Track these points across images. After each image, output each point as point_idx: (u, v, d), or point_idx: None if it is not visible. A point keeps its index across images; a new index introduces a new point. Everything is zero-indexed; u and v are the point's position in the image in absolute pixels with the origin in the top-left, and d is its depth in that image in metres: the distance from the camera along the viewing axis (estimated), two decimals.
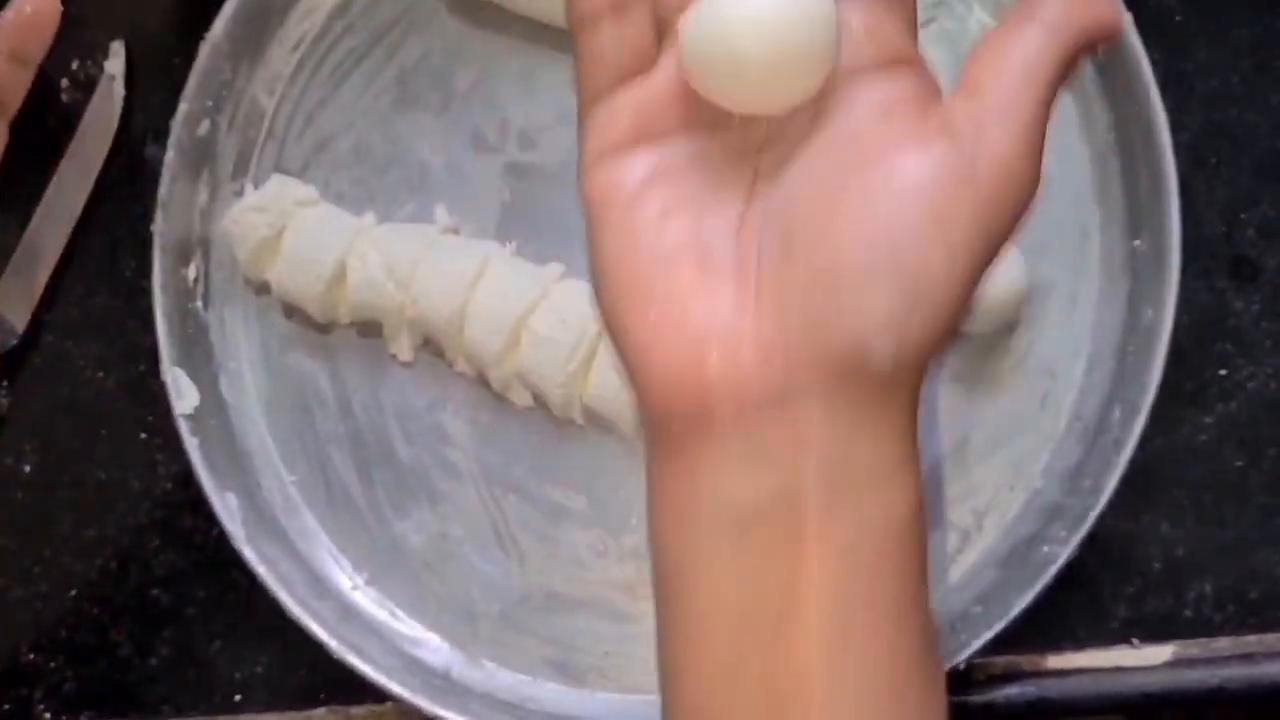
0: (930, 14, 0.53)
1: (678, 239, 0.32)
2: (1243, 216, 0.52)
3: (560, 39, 0.54)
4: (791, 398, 0.30)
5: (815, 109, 0.32)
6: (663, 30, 0.33)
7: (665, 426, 0.32)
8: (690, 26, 0.31)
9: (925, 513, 0.32)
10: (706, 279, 0.31)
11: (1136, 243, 0.50)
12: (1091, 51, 0.32)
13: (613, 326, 0.33)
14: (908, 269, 0.30)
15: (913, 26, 0.33)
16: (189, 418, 0.52)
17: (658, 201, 0.32)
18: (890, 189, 0.30)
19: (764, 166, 0.33)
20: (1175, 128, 0.49)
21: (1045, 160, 0.51)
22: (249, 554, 0.51)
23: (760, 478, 0.30)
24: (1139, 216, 0.50)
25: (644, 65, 0.33)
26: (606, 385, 0.50)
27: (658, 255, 0.32)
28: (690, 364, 0.31)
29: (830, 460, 0.30)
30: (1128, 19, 0.49)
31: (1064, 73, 0.32)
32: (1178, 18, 0.53)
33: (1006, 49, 0.32)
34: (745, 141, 0.33)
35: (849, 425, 0.30)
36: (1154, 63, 0.50)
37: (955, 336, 0.31)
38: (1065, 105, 0.52)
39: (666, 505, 0.33)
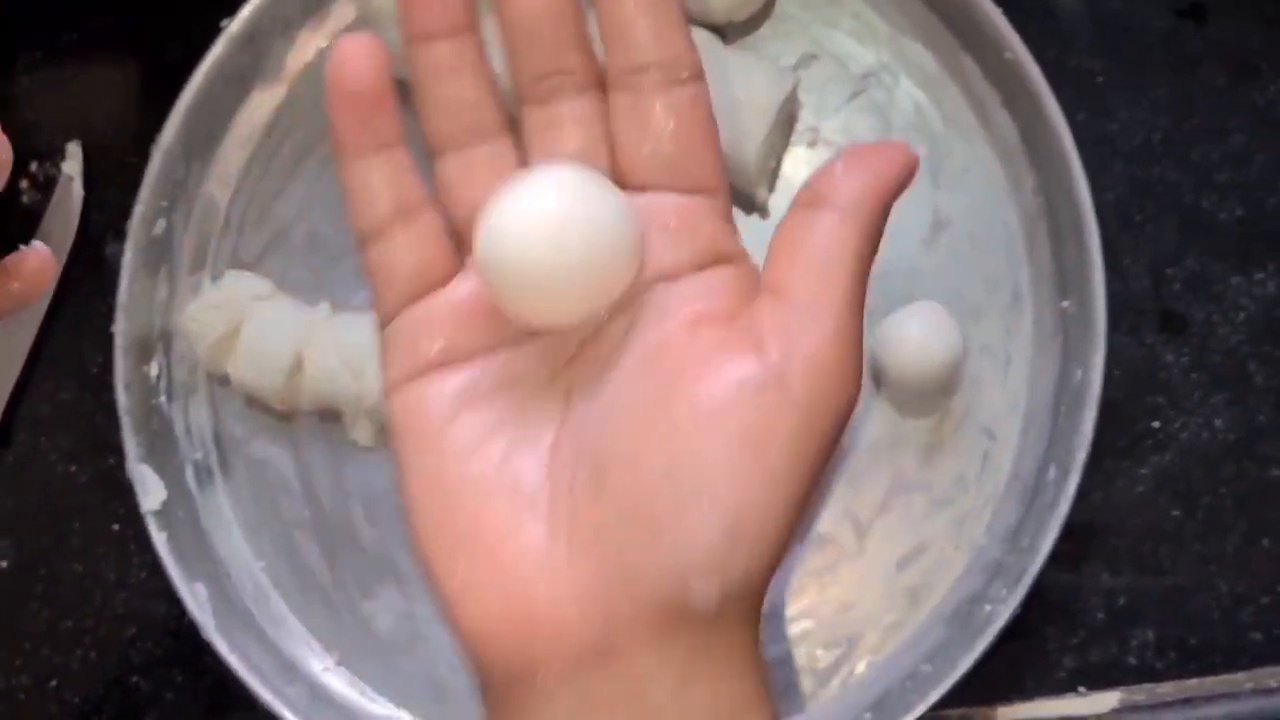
0: (858, 86, 0.54)
1: (488, 471, 0.29)
2: (1169, 271, 0.54)
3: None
4: (617, 649, 0.28)
5: (629, 316, 0.30)
6: (459, 236, 0.31)
7: (488, 678, 0.30)
8: (482, 230, 0.29)
9: None
10: (518, 519, 0.29)
11: (1065, 303, 0.52)
12: (894, 200, 0.30)
13: (426, 570, 0.30)
14: (724, 501, 0.27)
15: (729, 218, 0.31)
16: (156, 513, 0.53)
17: (465, 431, 0.30)
18: (698, 414, 0.28)
19: (576, 382, 0.31)
20: (1100, 187, 0.51)
21: (973, 225, 0.53)
22: (219, 643, 0.52)
23: None
24: (1067, 277, 0.52)
25: (441, 276, 0.31)
26: None
27: (467, 488, 0.29)
28: (505, 612, 0.29)
29: (666, 713, 0.28)
30: (1041, 85, 0.51)
31: (872, 249, 0.29)
32: (1099, 79, 0.55)
33: (804, 241, 0.29)
34: (556, 356, 0.31)
35: (682, 672, 0.28)
36: (1077, 124, 0.51)
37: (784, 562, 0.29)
38: (993, 167, 0.54)
39: None
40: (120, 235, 0.56)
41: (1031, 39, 0.51)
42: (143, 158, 0.56)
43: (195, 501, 0.55)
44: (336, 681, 0.54)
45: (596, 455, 0.29)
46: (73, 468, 0.58)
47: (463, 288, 0.31)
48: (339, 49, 0.30)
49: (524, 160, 0.32)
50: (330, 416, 0.55)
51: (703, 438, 0.28)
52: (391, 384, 0.31)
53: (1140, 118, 0.55)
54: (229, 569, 0.55)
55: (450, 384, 0.30)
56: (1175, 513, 0.53)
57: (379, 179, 0.31)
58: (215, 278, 0.56)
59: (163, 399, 0.56)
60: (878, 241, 0.29)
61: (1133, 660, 0.52)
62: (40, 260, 0.41)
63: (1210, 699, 0.51)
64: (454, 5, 0.30)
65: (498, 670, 0.29)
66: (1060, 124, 0.51)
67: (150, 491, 0.54)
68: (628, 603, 0.28)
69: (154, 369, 0.55)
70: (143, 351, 0.55)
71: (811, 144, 0.54)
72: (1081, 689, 0.51)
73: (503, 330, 0.31)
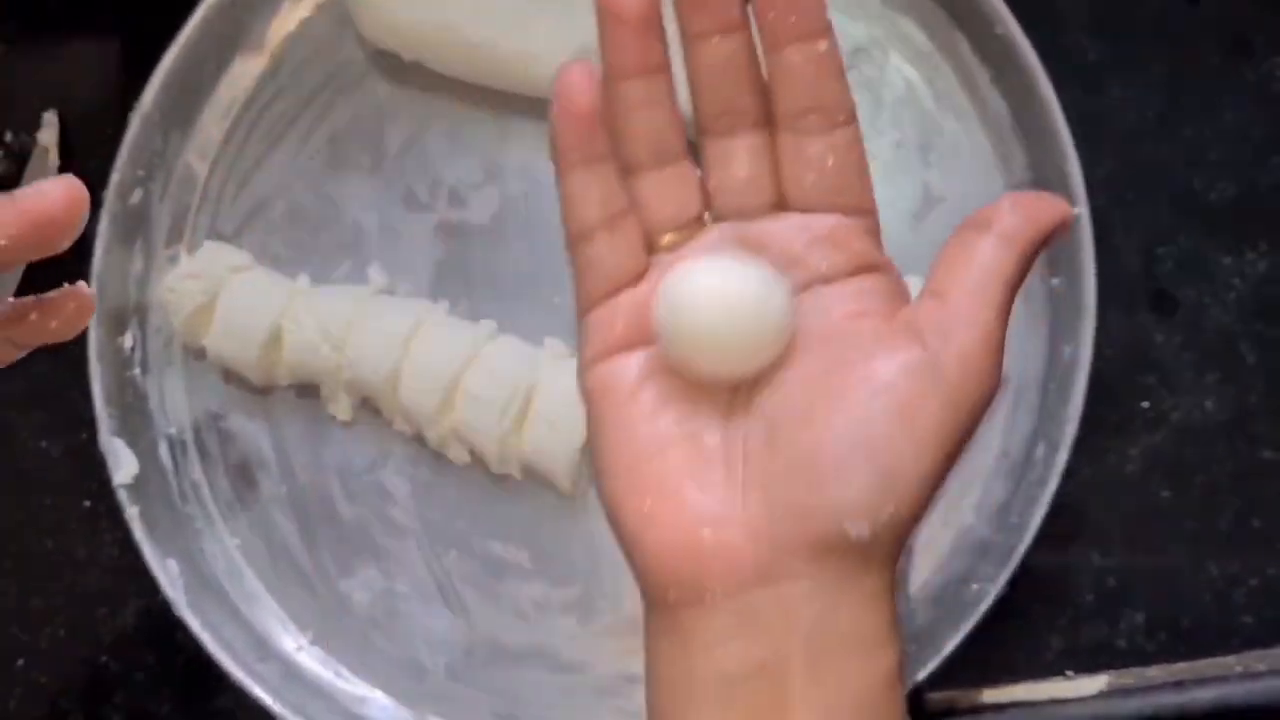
0: (849, 62, 0.53)
1: (670, 431, 0.34)
2: (1160, 251, 0.53)
3: (488, 99, 0.55)
4: (778, 574, 0.33)
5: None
6: (651, 243, 0.36)
7: (661, 599, 0.34)
8: (659, 303, 0.34)
9: (905, 669, 0.34)
10: (697, 467, 0.34)
11: (1055, 281, 0.51)
12: (1046, 247, 0.35)
13: (612, 511, 0.35)
14: (880, 460, 0.32)
15: (878, 236, 0.36)
16: (128, 487, 0.52)
17: (651, 397, 0.35)
18: (862, 388, 0.33)
19: None
20: (1091, 165, 0.51)
21: (964, 202, 0.52)
22: (191, 619, 0.51)
23: (749, 648, 0.33)
24: (1057, 255, 0.51)
25: (636, 275, 0.36)
26: (542, 440, 0.51)
27: (652, 445, 0.34)
28: (684, 544, 0.33)
29: (814, 630, 0.33)
30: (1033, 61, 0.50)
31: (1021, 276, 0.34)
32: (1091, 56, 0.54)
33: (966, 258, 0.34)
34: None
35: (831, 596, 0.33)
36: (1069, 101, 0.51)
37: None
38: (983, 145, 0.53)
39: (661, 674, 0.35)
40: (96, 206, 0.54)
41: (1023, 15, 0.51)
42: (120, 129, 0.55)
43: (168, 476, 0.54)
44: (310, 660, 0.53)
45: (771, 416, 0.34)
46: (44, 442, 0.57)
47: (647, 284, 0.35)
48: (565, 74, 0.34)
49: (703, 183, 0.36)
50: (308, 391, 0.54)
51: (866, 406, 0.33)
52: (588, 362, 0.36)
53: (1132, 95, 0.54)
54: (202, 545, 0.54)
55: (635, 360, 0.35)
56: (1166, 493, 0.52)
57: (592, 188, 0.35)
58: (193, 250, 0.55)
59: (137, 371, 0.55)
60: (1026, 273, 0.34)
61: (1122, 642, 0.51)
62: (80, 302, 0.41)
63: (1200, 682, 0.50)
64: (649, 50, 0.35)
65: (670, 589, 0.33)
66: (1052, 101, 0.51)
67: (122, 465, 0.53)
68: (791, 536, 0.33)
69: (128, 341, 0.54)
70: (117, 323, 0.54)
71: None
72: (1069, 671, 0.51)
73: None
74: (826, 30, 0.35)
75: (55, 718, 0.55)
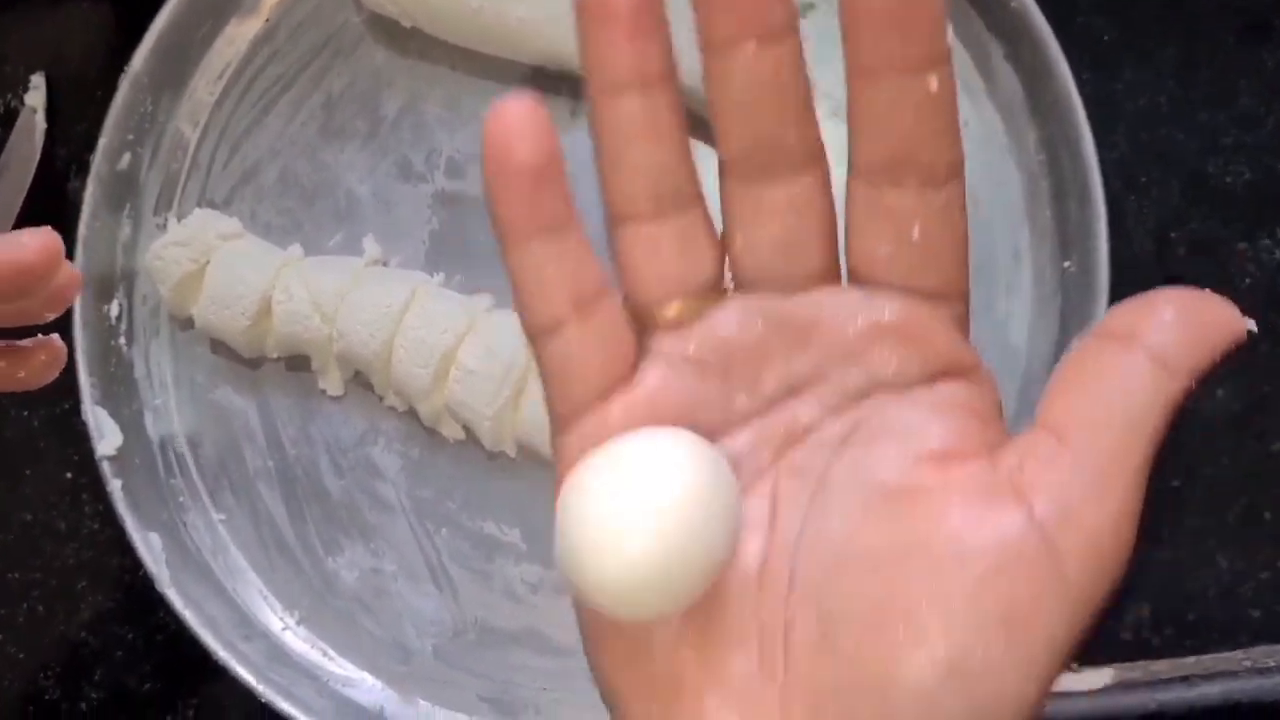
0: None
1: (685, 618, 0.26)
2: (1173, 235, 0.52)
3: (488, 67, 0.53)
4: None
5: (845, 424, 0.26)
6: (643, 325, 0.27)
7: None
8: (559, 510, 0.26)
9: None
10: (722, 656, 0.26)
11: (1067, 264, 0.50)
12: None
13: (609, 700, 0.27)
14: (976, 690, 0.24)
15: (967, 326, 0.27)
16: (111, 459, 0.51)
17: None
18: (955, 582, 0.24)
19: (785, 494, 0.27)
20: (1104, 147, 0.49)
21: (974, 182, 0.51)
22: (173, 596, 0.50)
23: None
24: (1068, 237, 0.50)
25: (624, 372, 0.27)
26: (538, 417, 0.49)
27: (660, 623, 0.26)
28: None
29: None
30: (1047, 35, 0.49)
31: (1172, 417, 0.25)
32: (1105, 37, 0.53)
33: (1103, 389, 0.25)
34: (758, 457, 0.27)
35: None
36: (1082, 83, 0.49)
37: None
38: (994, 123, 0.52)
39: None
40: (83, 172, 0.53)
41: None
42: (110, 93, 0.53)
43: (153, 449, 0.53)
44: (296, 640, 0.51)
45: (825, 607, 0.25)
46: (25, 412, 0.55)
47: (647, 383, 0.27)
48: (497, 114, 0.25)
49: (722, 235, 0.27)
50: (298, 364, 0.53)
51: (958, 612, 0.24)
52: None
53: (1147, 78, 0.53)
54: (186, 520, 0.52)
55: None
56: (1175, 484, 0.51)
57: (551, 267, 0.26)
58: (182, 217, 0.53)
59: (122, 340, 0.53)
60: (1176, 411, 0.25)
61: (1128, 636, 0.50)
62: (51, 355, 0.41)
63: (1207, 677, 0.49)
64: (646, 56, 0.26)
65: None
66: (1066, 77, 0.49)
67: (106, 435, 0.51)
68: None
69: (114, 309, 0.53)
70: (103, 290, 0.53)
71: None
72: (1073, 665, 0.49)
73: (699, 430, 0.27)
74: (944, 59, 0.25)
75: (32, 696, 0.54)
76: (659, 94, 0.26)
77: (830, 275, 0.27)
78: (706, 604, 0.26)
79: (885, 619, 0.24)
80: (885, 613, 0.24)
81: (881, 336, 0.26)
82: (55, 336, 0.42)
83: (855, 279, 0.27)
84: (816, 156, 0.27)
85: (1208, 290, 0.26)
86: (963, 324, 0.27)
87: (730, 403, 0.27)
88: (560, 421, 0.27)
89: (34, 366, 0.42)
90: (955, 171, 0.26)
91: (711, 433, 0.27)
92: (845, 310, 0.26)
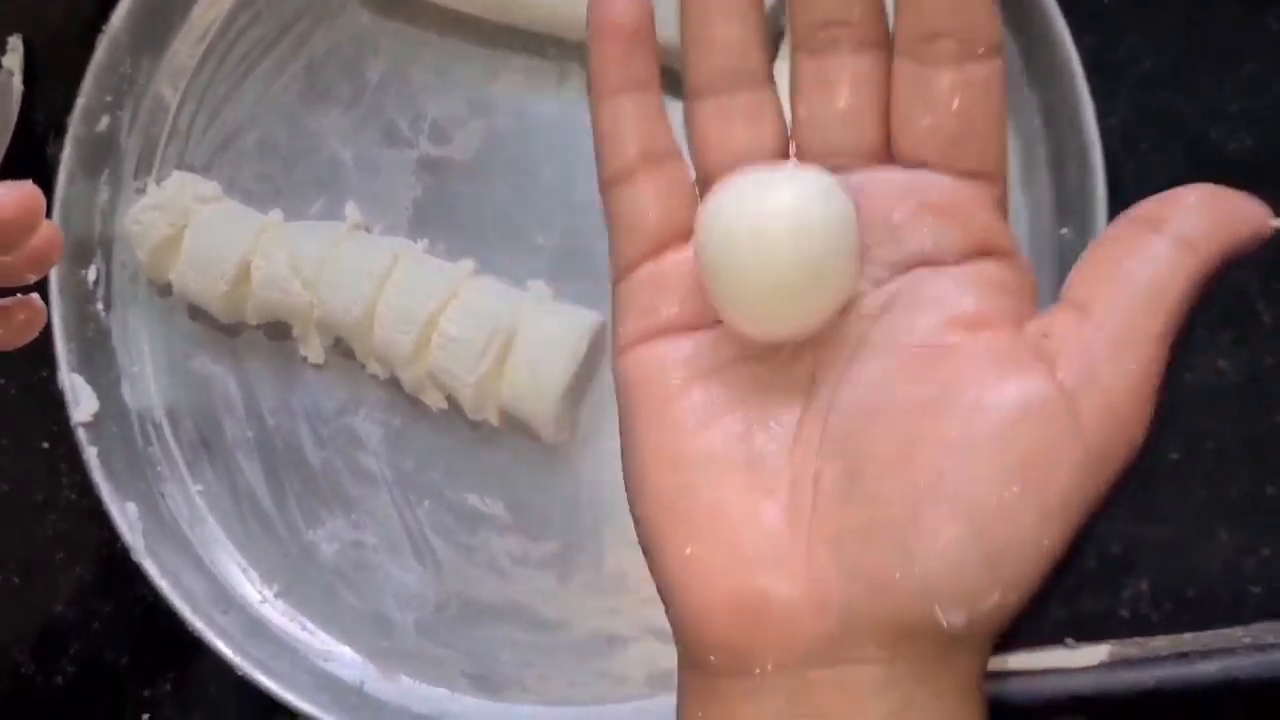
0: None
1: (725, 448, 0.27)
2: None
3: (475, 30, 0.52)
4: (844, 655, 0.26)
5: (886, 295, 0.27)
6: (706, 187, 0.29)
7: (701, 661, 0.27)
8: (703, 229, 0.27)
9: None
10: (756, 499, 0.27)
11: (1064, 231, 0.49)
12: (1232, 263, 0.26)
13: (647, 546, 0.28)
14: (991, 536, 0.25)
15: (1005, 209, 0.28)
16: (87, 425, 0.50)
17: (703, 399, 0.28)
18: (976, 430, 0.25)
19: (824, 362, 0.28)
20: (1104, 113, 0.48)
21: None
22: (149, 566, 0.49)
23: None
24: (1066, 204, 0.49)
25: (683, 230, 0.29)
26: (522, 385, 0.48)
27: (702, 463, 0.27)
28: (734, 596, 0.27)
29: None
30: (1054, 19, 0.48)
31: (1196, 298, 0.26)
32: (1106, 1, 0.52)
33: (1127, 265, 0.26)
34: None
35: (908, 690, 0.26)
36: (1083, 48, 0.48)
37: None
38: None
39: None
40: (62, 134, 0.52)
41: None
42: (89, 55, 0.52)
43: (130, 417, 0.52)
44: (275, 613, 0.50)
45: (852, 454, 0.26)
46: (1, 380, 0.54)
47: None
48: None
49: (791, 112, 0.29)
50: (278, 332, 0.52)
51: (978, 459, 0.25)
52: (623, 344, 0.29)
53: (1149, 43, 0.52)
54: (163, 489, 0.51)
55: (685, 349, 0.28)
56: (1175, 456, 0.49)
57: (630, 119, 0.29)
58: (161, 182, 0.52)
59: (99, 306, 0.52)
60: (1202, 295, 0.26)
61: (1125, 612, 0.49)
62: (31, 313, 0.41)
63: (1206, 654, 0.47)
64: None
65: (717, 653, 0.27)
66: (1066, 40, 0.48)
67: (82, 402, 0.50)
68: (865, 611, 0.26)
69: (92, 274, 0.52)
70: (80, 255, 0.52)
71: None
72: (1070, 640, 0.48)
73: None
74: None
75: (7, 669, 0.53)
76: None
77: (884, 155, 0.29)
78: (743, 452, 0.27)
79: (908, 463, 0.26)
80: (908, 457, 0.26)
81: (923, 213, 0.28)
82: (35, 296, 0.42)
83: (900, 157, 0.28)
84: (880, 38, 0.28)
85: (1238, 191, 0.27)
86: (1001, 206, 0.28)
87: None
88: (620, 269, 0.30)
89: (14, 325, 0.41)
90: (994, 49, 0.28)
91: None
92: (892, 188, 0.28)
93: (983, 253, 0.28)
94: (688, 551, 0.27)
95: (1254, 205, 0.27)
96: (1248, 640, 0.48)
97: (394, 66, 0.53)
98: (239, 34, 0.53)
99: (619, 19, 0.28)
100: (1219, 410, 0.50)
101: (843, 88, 0.28)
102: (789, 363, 0.28)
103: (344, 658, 0.50)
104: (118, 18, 0.52)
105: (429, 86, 0.53)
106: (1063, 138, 0.49)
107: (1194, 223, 0.26)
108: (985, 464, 0.25)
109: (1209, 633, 0.48)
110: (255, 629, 0.50)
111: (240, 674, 0.48)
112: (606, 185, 0.29)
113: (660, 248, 0.29)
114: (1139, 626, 0.49)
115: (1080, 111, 0.48)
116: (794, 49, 0.29)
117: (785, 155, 0.29)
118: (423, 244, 0.51)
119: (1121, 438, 0.26)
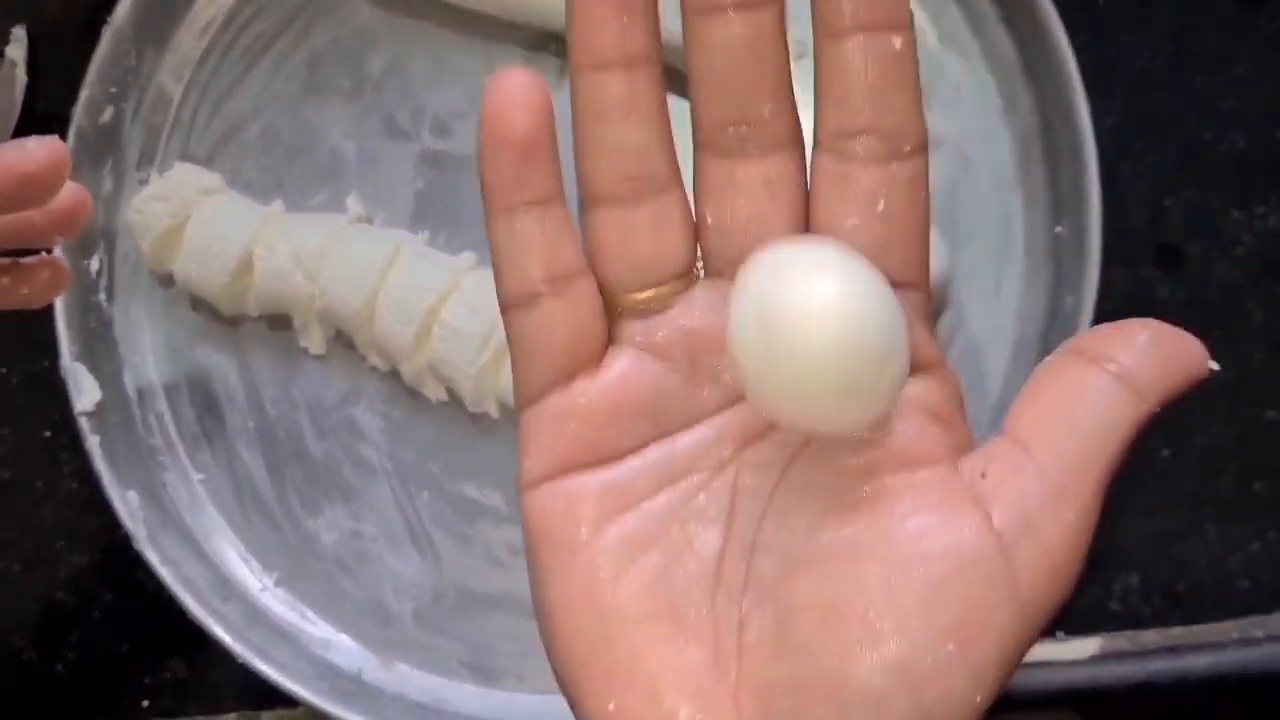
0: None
1: (645, 593, 0.26)
2: (1167, 204, 0.51)
3: (475, 24, 0.53)
4: None
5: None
6: (612, 309, 0.27)
7: None
8: (744, 313, 0.25)
9: None
10: (679, 648, 0.26)
11: (1059, 229, 0.49)
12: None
13: (567, 690, 0.27)
14: (925, 691, 0.24)
15: (930, 318, 0.27)
16: (89, 415, 0.50)
17: (617, 540, 0.26)
18: (911, 583, 0.24)
19: (746, 484, 0.27)
20: (1099, 113, 0.49)
21: (966, 145, 0.51)
22: (151, 555, 0.49)
23: None
24: (1061, 202, 0.49)
25: (592, 354, 0.27)
26: None
27: (620, 614, 0.26)
28: None
29: None
30: (1044, 8, 0.48)
31: (1133, 443, 0.25)
32: (1101, 1, 0.53)
33: (1073, 399, 0.25)
34: (722, 448, 0.27)
35: None
36: (1078, 48, 0.49)
37: None
38: (988, 86, 0.51)
39: None
40: (65, 127, 0.52)
41: None
42: (92, 46, 0.52)
43: (131, 406, 0.52)
44: (274, 601, 0.51)
45: (780, 604, 0.26)
46: (3, 369, 0.55)
47: (614, 369, 0.27)
48: (496, 86, 0.26)
49: (698, 219, 0.27)
50: (279, 324, 0.52)
51: (911, 615, 0.24)
52: (528, 480, 0.27)
53: (1143, 43, 0.52)
54: (164, 479, 0.52)
55: (598, 485, 0.27)
56: (1165, 452, 0.50)
57: (531, 237, 0.26)
58: (164, 173, 0.53)
59: (102, 296, 0.52)
60: (1135, 440, 0.25)
61: (1115, 605, 0.49)
62: (55, 273, 0.41)
63: (1195, 648, 0.48)
64: (635, 31, 0.26)
65: None
66: (1061, 39, 0.49)
67: (84, 392, 0.50)
68: None
69: (95, 265, 0.52)
70: (84, 245, 0.52)
71: (799, 57, 0.51)
72: (1060, 634, 0.49)
73: (662, 420, 0.27)
74: (906, 23, 0.26)
75: (7, 657, 0.53)
76: (642, 74, 0.26)
77: None
78: (663, 596, 0.26)
79: (839, 617, 0.25)
80: (839, 611, 0.25)
81: None
82: (59, 255, 0.41)
83: None
84: (793, 136, 0.27)
85: (1179, 329, 0.26)
86: (924, 315, 0.27)
87: (694, 394, 0.27)
88: (525, 398, 0.28)
89: (38, 284, 0.41)
90: (920, 147, 0.26)
91: (673, 424, 0.27)
92: None
93: (912, 370, 0.26)
94: (610, 707, 0.26)
95: (1195, 347, 0.26)
96: (1236, 634, 0.48)
97: (395, 60, 0.53)
98: (242, 27, 0.54)
99: (509, 134, 0.26)
100: (1208, 408, 0.50)
101: (750, 194, 0.27)
102: (710, 484, 0.27)
103: (343, 646, 0.50)
104: (121, 9, 0.52)
105: (430, 80, 0.53)
106: (1058, 136, 0.49)
107: (1143, 365, 0.25)
108: (919, 621, 0.24)
109: (1198, 626, 0.49)
110: (255, 617, 0.50)
111: (240, 661, 0.48)
112: (507, 308, 0.27)
113: (569, 375, 0.27)
114: (1129, 620, 0.49)
115: (1075, 110, 0.48)
116: (698, 148, 0.27)
117: (693, 267, 0.27)
118: (424, 236, 0.51)
119: (1057, 588, 0.25)
